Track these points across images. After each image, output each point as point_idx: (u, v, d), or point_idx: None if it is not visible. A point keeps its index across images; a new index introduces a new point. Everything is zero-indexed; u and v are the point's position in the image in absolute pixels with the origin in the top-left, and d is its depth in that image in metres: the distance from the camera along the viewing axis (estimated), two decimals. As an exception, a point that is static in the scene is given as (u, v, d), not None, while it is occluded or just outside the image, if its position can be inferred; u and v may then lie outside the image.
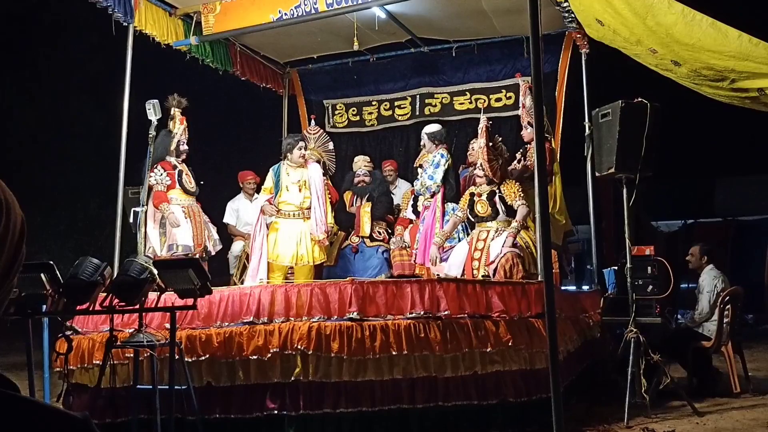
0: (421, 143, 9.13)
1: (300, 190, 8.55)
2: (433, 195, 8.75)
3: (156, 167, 8.38)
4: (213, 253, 9.03)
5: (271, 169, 8.77)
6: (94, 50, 16.96)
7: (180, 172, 8.50)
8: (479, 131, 8.12)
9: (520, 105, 8.73)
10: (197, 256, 8.44)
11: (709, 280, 8.51)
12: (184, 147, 8.63)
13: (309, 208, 8.50)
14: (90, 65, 17.75)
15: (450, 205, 8.64)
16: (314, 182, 8.55)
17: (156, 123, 7.27)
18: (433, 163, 8.80)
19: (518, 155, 8.55)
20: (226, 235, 9.78)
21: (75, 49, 17.81)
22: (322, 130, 10.28)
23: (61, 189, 17.73)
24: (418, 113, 10.67)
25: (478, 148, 8.26)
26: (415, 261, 8.77)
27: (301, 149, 8.71)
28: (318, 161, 9.41)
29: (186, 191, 8.52)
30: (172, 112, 8.60)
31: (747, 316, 14.06)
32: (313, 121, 10.43)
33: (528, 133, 8.45)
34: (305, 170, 8.63)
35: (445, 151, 8.93)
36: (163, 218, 8.29)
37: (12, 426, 1.08)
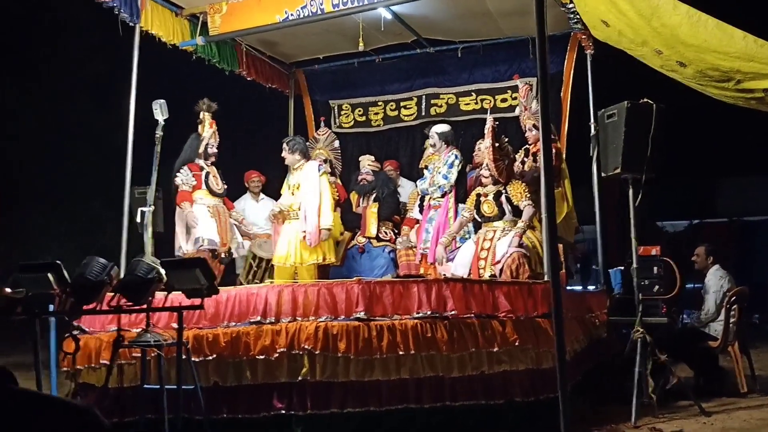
0: (430, 142, 9.14)
1: (293, 193, 8.59)
2: (443, 195, 8.77)
3: (183, 168, 8.53)
4: (236, 256, 9.09)
5: None
6: (95, 50, 16.97)
7: (207, 174, 8.59)
8: (485, 131, 8.11)
9: (522, 107, 8.72)
10: (222, 254, 8.52)
11: (715, 280, 8.51)
12: (212, 150, 8.71)
13: (300, 210, 8.57)
14: (91, 65, 17.74)
15: (459, 206, 8.65)
16: (305, 184, 8.57)
17: (163, 123, 7.27)
18: (446, 163, 8.81)
19: (518, 156, 8.53)
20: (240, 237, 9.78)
21: (76, 49, 17.79)
22: (329, 131, 10.33)
23: (63, 189, 17.72)
24: (423, 113, 10.68)
25: (484, 148, 8.26)
26: (420, 261, 8.79)
27: (285, 151, 8.77)
28: (325, 160, 9.44)
29: (212, 192, 8.58)
30: (201, 116, 8.70)
31: (753, 315, 14.04)
32: (322, 123, 10.49)
33: (533, 135, 8.45)
34: (301, 173, 8.65)
35: (458, 152, 8.94)
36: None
37: (20, 415, 1.09)
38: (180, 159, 8.57)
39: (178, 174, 8.48)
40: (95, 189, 16.93)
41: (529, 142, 8.57)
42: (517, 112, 8.93)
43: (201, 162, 8.59)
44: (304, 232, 8.38)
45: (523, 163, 8.42)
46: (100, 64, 16.82)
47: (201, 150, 8.59)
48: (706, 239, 10.60)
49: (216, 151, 8.73)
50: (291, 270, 8.52)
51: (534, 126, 8.36)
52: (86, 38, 16.75)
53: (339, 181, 9.84)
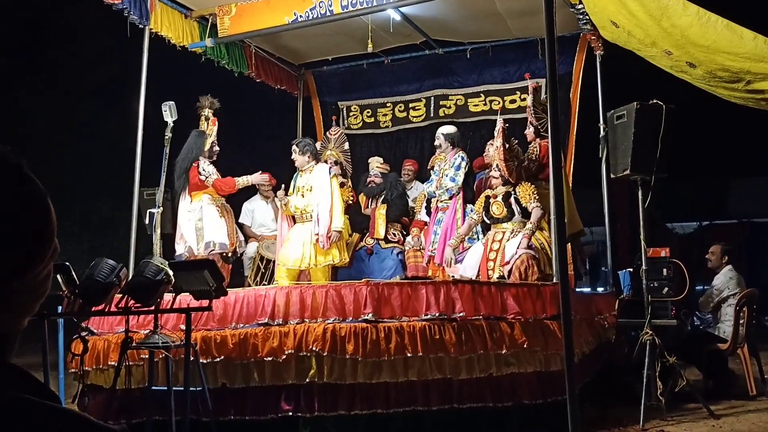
0: (436, 143, 9.10)
1: (303, 195, 8.54)
2: (451, 197, 8.74)
3: (202, 161, 8.42)
4: (239, 255, 9.08)
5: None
6: (107, 52, 17.03)
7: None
8: (495, 132, 8.10)
9: (527, 106, 8.73)
10: (229, 255, 8.51)
11: (724, 279, 8.50)
12: (216, 148, 8.66)
13: (312, 212, 8.49)
14: (103, 67, 17.82)
15: (467, 207, 8.64)
16: (318, 186, 8.48)
17: (172, 125, 7.27)
18: (453, 165, 8.78)
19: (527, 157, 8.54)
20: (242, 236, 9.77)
21: (88, 51, 17.87)
22: (340, 131, 10.31)
23: (75, 190, 17.80)
24: (432, 115, 10.66)
25: (493, 149, 8.24)
26: (428, 263, 8.78)
27: (294, 152, 8.67)
28: (336, 162, 9.41)
29: None
30: (205, 113, 8.63)
31: (764, 318, 13.98)
32: (334, 122, 10.47)
33: (530, 132, 8.47)
34: (311, 175, 8.61)
35: (464, 154, 8.92)
36: (200, 219, 8.33)
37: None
38: (186, 157, 8.40)
39: (202, 169, 8.36)
40: (108, 190, 17.01)
41: (527, 141, 8.57)
42: (526, 113, 8.93)
43: (207, 160, 8.53)
44: (317, 234, 8.33)
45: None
46: (113, 66, 16.87)
47: (207, 148, 8.54)
48: (715, 240, 10.56)
49: (218, 149, 8.71)
50: (296, 271, 8.48)
51: (530, 123, 8.41)
52: (98, 40, 16.82)
53: (350, 182, 9.81)
